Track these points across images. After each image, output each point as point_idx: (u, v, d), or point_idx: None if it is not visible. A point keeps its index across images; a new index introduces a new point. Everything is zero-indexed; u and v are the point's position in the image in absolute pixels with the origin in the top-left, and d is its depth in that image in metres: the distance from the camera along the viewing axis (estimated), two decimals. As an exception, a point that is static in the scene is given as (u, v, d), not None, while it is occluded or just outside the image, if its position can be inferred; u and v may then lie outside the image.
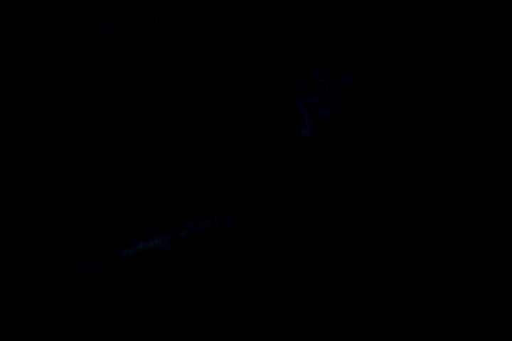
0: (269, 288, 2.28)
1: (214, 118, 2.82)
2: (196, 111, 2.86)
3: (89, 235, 2.35)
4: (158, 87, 2.78)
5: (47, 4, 2.68)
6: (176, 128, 2.75)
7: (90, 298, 2.19)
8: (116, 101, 2.72)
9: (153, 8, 2.71)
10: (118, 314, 2.15)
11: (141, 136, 2.68)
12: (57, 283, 2.21)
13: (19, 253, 2.30)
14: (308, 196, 2.45)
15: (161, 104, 2.80)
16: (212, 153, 2.57)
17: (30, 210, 2.43)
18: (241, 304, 2.23)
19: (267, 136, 2.65)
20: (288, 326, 2.24)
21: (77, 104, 2.68)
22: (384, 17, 2.81)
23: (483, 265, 2.35)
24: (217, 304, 2.29)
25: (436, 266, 2.34)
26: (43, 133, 2.56)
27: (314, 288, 2.35)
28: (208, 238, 2.30)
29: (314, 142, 2.69)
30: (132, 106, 2.74)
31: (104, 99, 2.71)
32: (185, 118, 2.81)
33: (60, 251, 2.31)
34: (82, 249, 2.29)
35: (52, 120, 2.62)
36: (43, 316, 2.15)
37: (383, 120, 2.71)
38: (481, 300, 2.27)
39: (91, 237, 2.34)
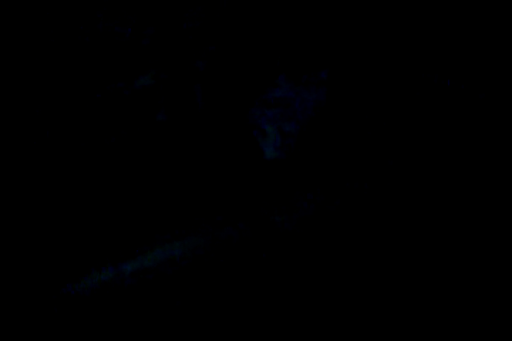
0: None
1: (172, 135, 2.60)
2: (153, 127, 2.63)
3: (26, 271, 2.11)
4: (110, 101, 2.55)
5: None
6: (127, 148, 2.52)
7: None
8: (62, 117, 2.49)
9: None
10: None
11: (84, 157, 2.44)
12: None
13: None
14: (271, 228, 2.23)
15: (112, 119, 2.57)
16: (165, 180, 2.34)
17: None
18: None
19: (229, 155, 2.42)
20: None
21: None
22: (351, 27, 2.62)
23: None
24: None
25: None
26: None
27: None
28: (154, 273, 2.07)
29: (279, 161, 2.47)
30: (80, 122, 2.50)
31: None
32: (138, 134, 2.58)
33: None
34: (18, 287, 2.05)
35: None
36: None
37: (355, 135, 2.50)
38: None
39: (28, 274, 2.10)
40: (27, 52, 2.45)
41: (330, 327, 2.00)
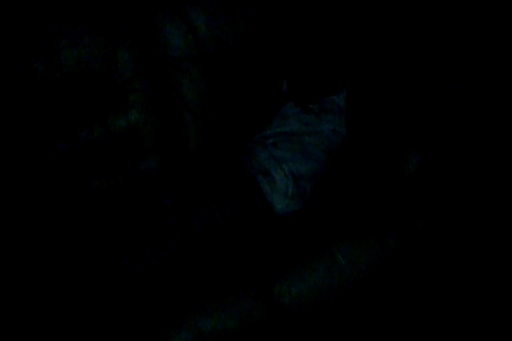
0: None
1: (160, 185, 2.10)
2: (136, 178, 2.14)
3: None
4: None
5: None
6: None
7: None
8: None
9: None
10: None
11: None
12: None
13: None
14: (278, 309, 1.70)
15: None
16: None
17: None
18: None
19: (228, 208, 1.90)
20: None
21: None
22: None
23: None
24: None
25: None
26: None
27: None
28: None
29: (292, 213, 1.94)
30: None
31: None
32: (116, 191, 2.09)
33: None
34: None
35: None
36: None
37: (386, 172, 1.96)
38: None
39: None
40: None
41: None
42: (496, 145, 1.90)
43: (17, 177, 2.02)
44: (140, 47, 1.98)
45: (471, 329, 1.90)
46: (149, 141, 2.14)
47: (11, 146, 1.98)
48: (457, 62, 1.98)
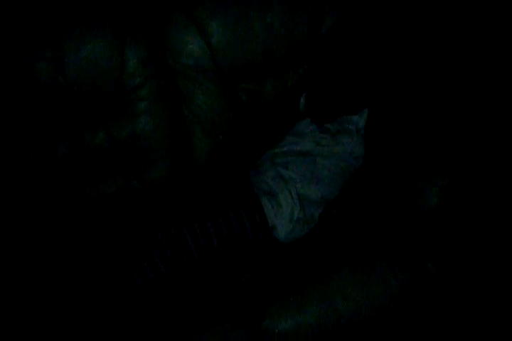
0: None
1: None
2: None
3: None
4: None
5: None
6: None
7: None
8: None
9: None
10: None
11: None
12: None
13: None
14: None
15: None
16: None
17: None
18: None
19: (230, 232, 1.78)
20: None
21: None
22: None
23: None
24: None
25: None
26: None
27: None
28: None
29: (296, 240, 1.81)
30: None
31: None
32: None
33: None
34: None
35: None
36: None
37: (406, 201, 1.80)
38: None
39: None
40: None
41: None
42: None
43: (16, 181, 1.95)
44: (150, 52, 1.87)
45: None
46: (157, 150, 2.03)
47: (12, 148, 1.91)
48: (482, 87, 1.81)
